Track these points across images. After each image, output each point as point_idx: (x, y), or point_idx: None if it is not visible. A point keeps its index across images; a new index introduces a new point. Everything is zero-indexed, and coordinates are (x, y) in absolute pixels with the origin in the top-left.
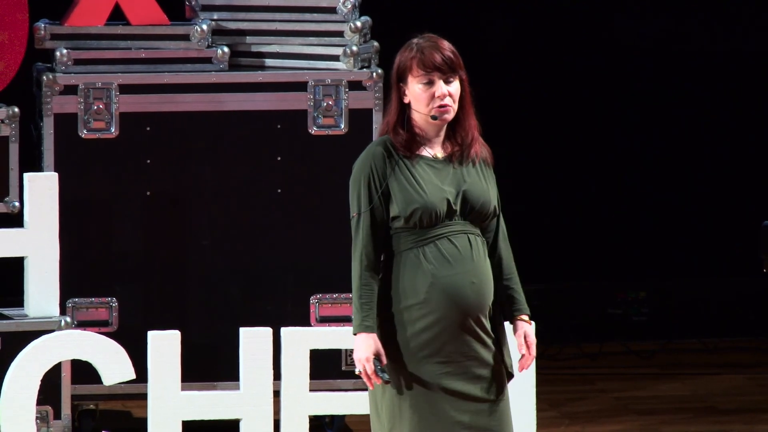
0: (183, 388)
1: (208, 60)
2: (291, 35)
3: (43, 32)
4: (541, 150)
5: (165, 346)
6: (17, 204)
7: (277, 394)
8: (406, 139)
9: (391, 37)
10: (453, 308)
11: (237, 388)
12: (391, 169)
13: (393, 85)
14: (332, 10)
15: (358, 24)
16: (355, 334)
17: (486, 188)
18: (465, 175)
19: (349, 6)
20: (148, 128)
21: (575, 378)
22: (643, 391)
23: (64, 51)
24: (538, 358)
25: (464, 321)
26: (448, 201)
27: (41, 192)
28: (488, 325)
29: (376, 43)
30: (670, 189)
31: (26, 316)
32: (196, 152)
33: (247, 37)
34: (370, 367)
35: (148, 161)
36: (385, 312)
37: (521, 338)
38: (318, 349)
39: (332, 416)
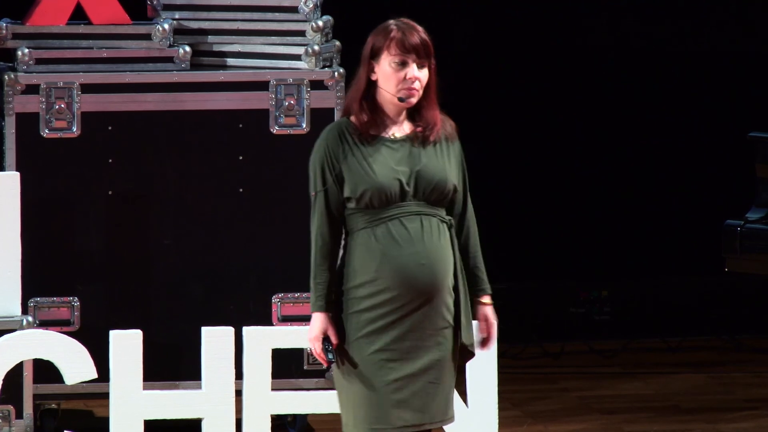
0: (145, 388)
1: (169, 59)
2: (253, 34)
3: (4, 31)
4: (505, 149)
5: (127, 346)
6: None
7: (239, 393)
8: (367, 117)
9: (353, 37)
10: (401, 289)
11: (199, 387)
12: (346, 151)
13: (363, 61)
14: (294, 9)
15: (320, 23)
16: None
17: (443, 167)
18: (421, 155)
19: (311, 5)
20: (110, 128)
21: (538, 377)
22: (606, 390)
23: (26, 50)
24: (501, 357)
25: (414, 302)
26: (400, 182)
27: (3, 191)
28: (445, 306)
29: (338, 43)
30: (633, 188)
31: None
32: (158, 152)
33: (209, 37)
34: (318, 347)
35: (110, 161)
36: (338, 290)
37: (482, 321)
38: (280, 349)
39: (294, 415)
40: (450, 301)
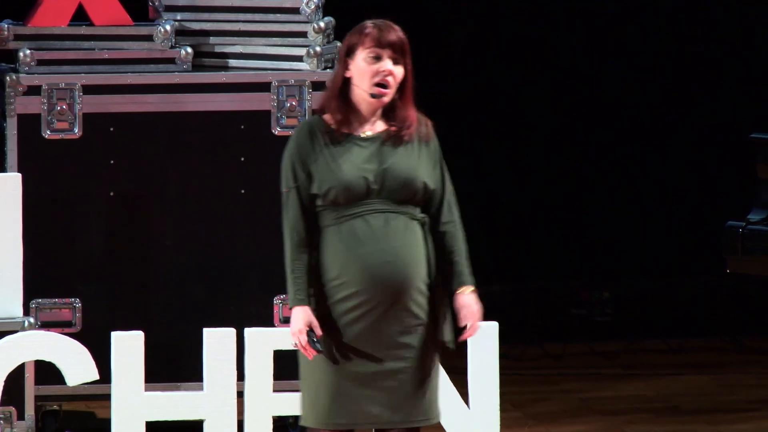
0: (146, 389)
1: (171, 61)
2: (254, 36)
3: (6, 33)
4: (506, 150)
5: (128, 347)
6: None
7: (240, 394)
8: (341, 115)
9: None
10: (366, 286)
11: (201, 388)
12: (315, 149)
13: (340, 59)
14: (296, 10)
15: (322, 24)
16: (291, 309)
17: (414, 166)
18: (391, 154)
19: (313, 7)
20: (112, 129)
21: (539, 378)
22: (607, 391)
23: (28, 51)
24: (502, 358)
25: (380, 299)
26: (366, 179)
27: (4, 192)
28: (416, 305)
29: (339, 44)
30: (634, 189)
31: None
32: (160, 153)
33: (211, 38)
34: (303, 339)
35: (112, 162)
36: (318, 283)
37: (462, 309)
38: (282, 350)
39: (296, 416)
40: (422, 299)
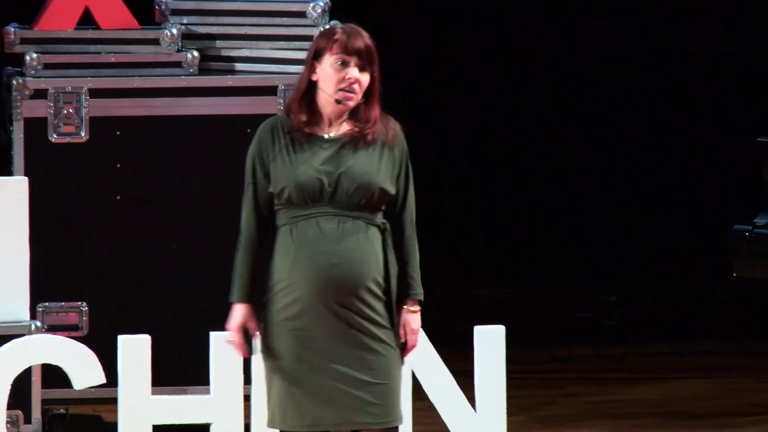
0: (153, 393)
1: (177, 64)
2: (261, 39)
3: (12, 36)
4: (513, 154)
5: (135, 351)
6: None
7: (247, 398)
8: (305, 117)
9: (386, 43)
10: (313, 289)
11: (207, 392)
12: (276, 148)
13: (307, 62)
14: (302, 14)
15: (328, 28)
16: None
17: (373, 170)
18: (350, 157)
19: (319, 10)
20: (118, 132)
21: (545, 382)
22: (614, 395)
23: (34, 55)
24: (508, 362)
25: (328, 303)
26: (321, 181)
27: (11, 196)
28: (369, 308)
29: None
30: (641, 193)
31: None
32: (166, 156)
33: (217, 42)
34: (236, 338)
35: (118, 165)
36: (267, 283)
37: (401, 327)
38: None
39: None
40: (376, 302)
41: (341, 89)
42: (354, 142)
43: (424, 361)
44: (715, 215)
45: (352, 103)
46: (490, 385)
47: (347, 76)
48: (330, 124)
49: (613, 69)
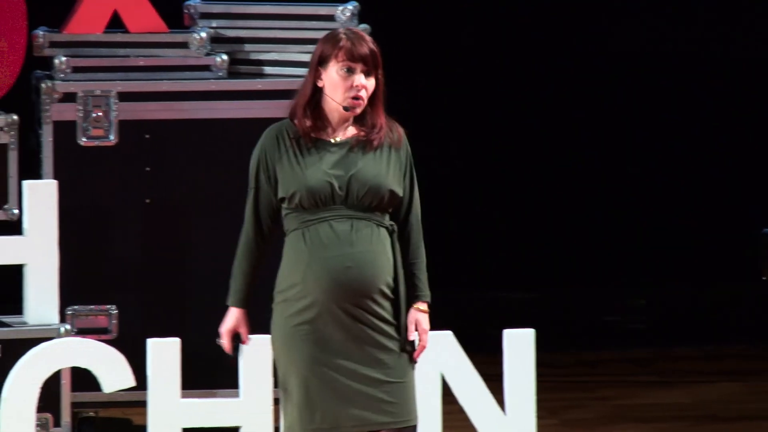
0: (183, 396)
1: (206, 68)
2: (290, 43)
3: (41, 40)
4: (543, 156)
5: (165, 354)
6: (16, 211)
7: (277, 401)
8: (310, 122)
9: (390, 45)
10: (328, 291)
11: (237, 395)
12: (281, 153)
13: (311, 67)
14: (331, 17)
15: None
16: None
17: (382, 173)
18: (358, 160)
19: (348, 14)
20: (147, 136)
21: (574, 385)
22: (642, 398)
23: (63, 58)
24: (538, 365)
25: (343, 305)
26: (331, 185)
27: (40, 199)
28: (382, 309)
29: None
30: (668, 196)
31: (26, 323)
32: (195, 160)
33: (246, 45)
34: (226, 343)
35: (147, 169)
36: (275, 290)
37: (411, 326)
38: None
39: None
40: (388, 304)
41: (349, 96)
42: (361, 145)
43: (453, 365)
44: (745, 218)
45: (359, 110)
46: (520, 389)
47: (354, 84)
48: (336, 129)
49: (640, 71)
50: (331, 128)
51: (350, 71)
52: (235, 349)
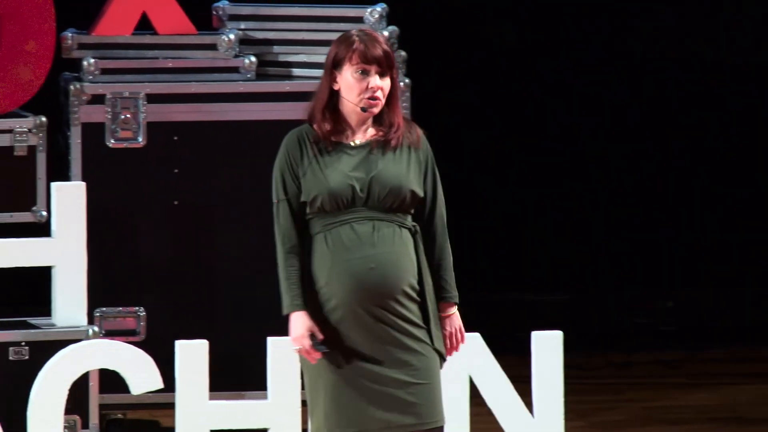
0: (211, 398)
1: (235, 69)
2: (318, 45)
3: (70, 41)
4: (571, 158)
5: (193, 356)
6: (45, 213)
7: (305, 403)
8: (329, 125)
9: (419, 47)
10: (352, 294)
11: (265, 397)
12: (304, 157)
13: (326, 70)
14: (360, 19)
15: (386, 33)
16: (287, 315)
17: (403, 173)
18: (379, 161)
19: (377, 16)
20: (176, 137)
21: (603, 388)
22: (672, 400)
23: (92, 60)
24: (566, 367)
25: (367, 306)
26: (353, 187)
27: (69, 201)
28: (407, 310)
29: (403, 53)
30: (699, 198)
31: (54, 325)
32: (223, 162)
33: (275, 47)
34: (307, 343)
35: (176, 170)
36: (311, 290)
37: (445, 329)
38: None
39: None
40: (412, 305)
41: (365, 97)
42: (381, 146)
43: (481, 367)
44: None
45: (377, 110)
46: (548, 391)
47: (370, 85)
48: (355, 131)
49: (677, 76)
50: (350, 130)
51: (365, 73)
52: (318, 345)
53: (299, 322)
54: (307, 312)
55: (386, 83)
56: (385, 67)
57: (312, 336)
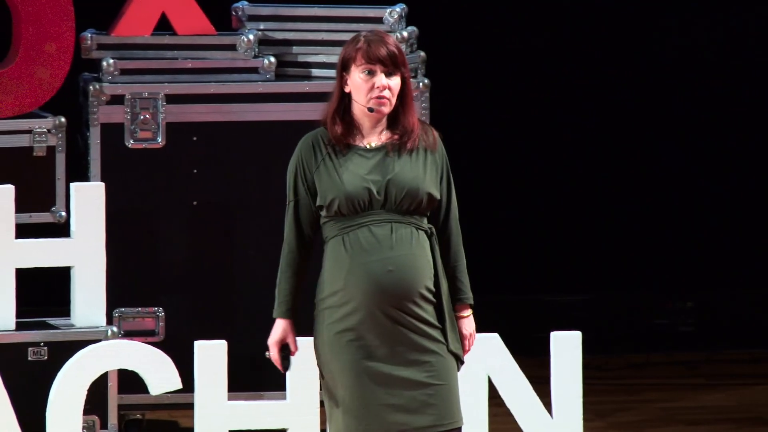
0: (230, 398)
1: (254, 70)
2: (338, 45)
3: (89, 42)
4: (590, 159)
5: (212, 356)
6: (64, 214)
7: (323, 404)
8: (342, 128)
9: (438, 47)
10: (370, 296)
11: (284, 397)
12: (318, 161)
13: (337, 74)
14: (379, 20)
15: (405, 34)
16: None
17: (419, 176)
18: (395, 164)
19: (396, 16)
20: (195, 138)
21: (622, 388)
22: (690, 401)
23: (111, 61)
24: (584, 368)
25: (385, 309)
26: (369, 190)
27: (88, 202)
28: (424, 311)
29: (422, 53)
30: (717, 199)
31: (73, 325)
32: (243, 162)
33: (294, 47)
34: (274, 354)
35: (195, 171)
36: (316, 298)
37: (462, 331)
38: None
39: None
40: (429, 306)
41: (372, 97)
42: (396, 149)
43: (500, 367)
44: None
45: (386, 109)
46: (567, 391)
47: (376, 85)
48: (369, 134)
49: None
50: (364, 133)
51: (371, 73)
52: (285, 359)
53: (278, 329)
54: (290, 320)
55: (394, 82)
56: (391, 66)
57: (285, 347)
